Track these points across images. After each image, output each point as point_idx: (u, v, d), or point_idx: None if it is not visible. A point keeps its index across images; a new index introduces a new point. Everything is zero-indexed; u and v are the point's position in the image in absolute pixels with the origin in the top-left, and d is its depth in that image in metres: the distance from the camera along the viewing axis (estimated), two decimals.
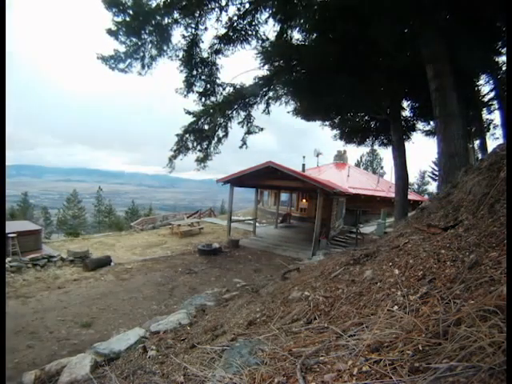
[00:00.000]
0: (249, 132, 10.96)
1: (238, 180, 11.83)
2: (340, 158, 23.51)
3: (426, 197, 23.73)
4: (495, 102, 9.38)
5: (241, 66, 10.31)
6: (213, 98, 9.86)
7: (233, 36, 8.37)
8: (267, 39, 8.43)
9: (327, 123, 11.81)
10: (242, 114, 10.51)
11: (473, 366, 0.92)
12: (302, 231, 14.12)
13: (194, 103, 9.87)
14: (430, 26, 5.89)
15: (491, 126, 10.22)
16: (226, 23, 8.06)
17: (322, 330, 1.77)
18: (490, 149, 8.85)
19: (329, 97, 8.81)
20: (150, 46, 8.16)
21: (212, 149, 10.80)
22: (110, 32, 7.58)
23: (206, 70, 9.20)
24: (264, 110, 10.64)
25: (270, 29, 8.97)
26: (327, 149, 24.11)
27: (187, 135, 10.36)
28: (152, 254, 9.98)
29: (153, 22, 7.48)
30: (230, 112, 10.25)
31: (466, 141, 6.16)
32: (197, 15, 7.76)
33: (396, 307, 1.61)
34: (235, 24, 8.13)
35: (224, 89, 9.73)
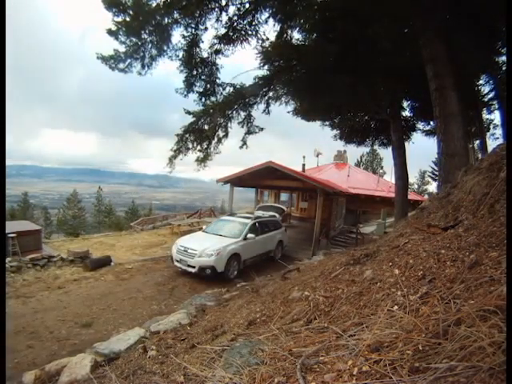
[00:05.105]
0: (249, 132, 10.95)
1: (238, 180, 11.83)
2: (340, 158, 23.49)
3: (426, 197, 23.71)
4: (495, 102, 9.39)
5: (241, 66, 10.31)
6: (213, 98, 9.85)
7: (233, 36, 8.37)
8: (267, 39, 8.42)
9: (327, 123, 11.79)
10: (242, 114, 10.49)
11: (473, 366, 0.92)
12: (302, 231, 14.11)
13: (194, 103, 9.90)
14: (430, 26, 5.89)
15: (491, 126, 10.23)
16: (226, 23, 8.05)
17: (322, 329, 1.77)
18: (490, 149, 8.85)
19: (329, 97, 8.80)
20: (150, 45, 8.14)
21: (212, 149, 10.80)
22: (110, 32, 7.58)
23: (206, 69, 9.19)
24: (264, 110, 10.63)
25: (270, 29, 8.97)
26: (325, 149, 24.06)
27: (187, 135, 10.36)
28: (152, 254, 9.98)
29: (153, 22, 7.47)
30: (230, 112, 10.23)
31: (466, 141, 6.15)
32: (197, 15, 7.75)
33: (396, 307, 1.61)
34: (235, 24, 8.13)
35: (224, 89, 9.72)
